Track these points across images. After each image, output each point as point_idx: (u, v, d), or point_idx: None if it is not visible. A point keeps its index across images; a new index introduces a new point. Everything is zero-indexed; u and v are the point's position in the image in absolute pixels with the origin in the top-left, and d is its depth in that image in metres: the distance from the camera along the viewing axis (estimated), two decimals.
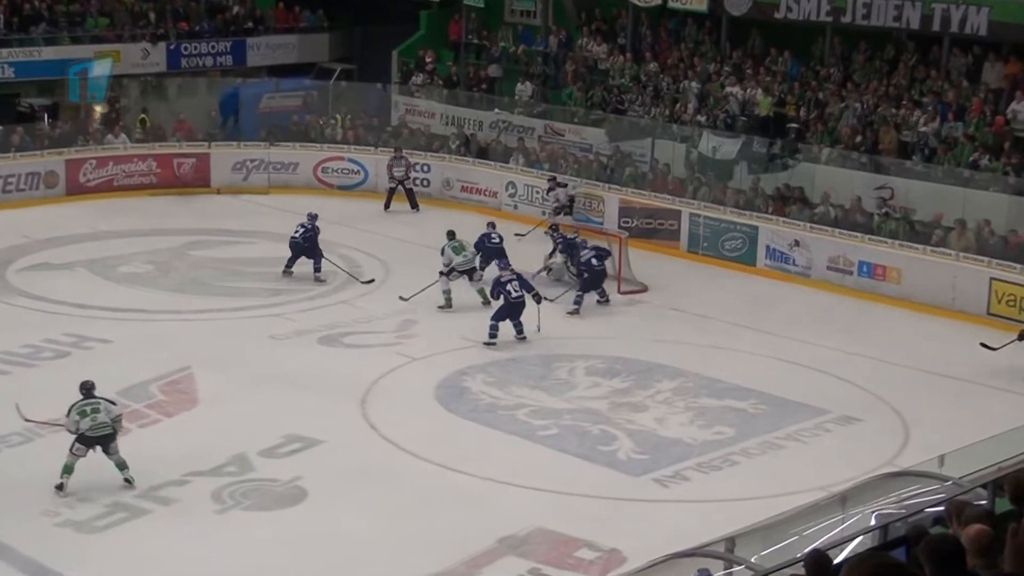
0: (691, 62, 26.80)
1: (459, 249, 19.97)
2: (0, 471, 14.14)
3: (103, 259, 22.16)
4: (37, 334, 18.30)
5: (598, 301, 20.14)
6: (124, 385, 16.40)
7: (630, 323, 19.53)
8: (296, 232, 21.25)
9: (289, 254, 21.28)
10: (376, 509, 13.56)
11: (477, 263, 20.20)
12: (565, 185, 24.40)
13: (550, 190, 24.38)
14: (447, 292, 19.78)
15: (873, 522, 8.37)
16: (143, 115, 28.16)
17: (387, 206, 25.89)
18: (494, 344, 18.21)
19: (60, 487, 13.57)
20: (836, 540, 8.09)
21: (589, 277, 20.03)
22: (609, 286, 20.57)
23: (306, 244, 21.12)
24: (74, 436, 13.58)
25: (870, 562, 3.92)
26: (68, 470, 13.59)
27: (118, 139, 26.94)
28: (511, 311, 18.34)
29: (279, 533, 13.03)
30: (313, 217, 21.47)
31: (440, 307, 19.72)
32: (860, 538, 7.93)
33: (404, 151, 26.33)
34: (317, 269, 21.11)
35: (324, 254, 21.12)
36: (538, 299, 18.66)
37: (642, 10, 27.91)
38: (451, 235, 20.23)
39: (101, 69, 27.72)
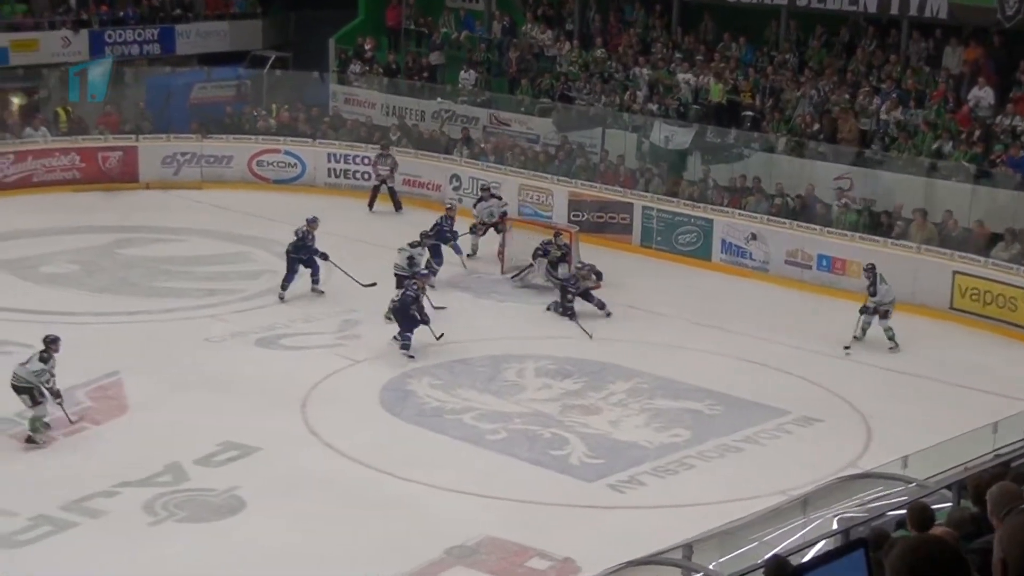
0: (641, 48, 26.93)
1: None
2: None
3: (23, 259, 21.92)
4: None
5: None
6: None
7: (583, 319, 19.58)
8: (293, 240, 20.39)
9: (285, 270, 20.33)
10: (318, 519, 13.53)
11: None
12: (500, 198, 23.27)
13: (480, 200, 23.22)
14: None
15: (835, 526, 8.49)
16: (64, 107, 27.82)
17: (371, 205, 25.54)
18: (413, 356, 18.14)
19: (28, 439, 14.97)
20: (797, 545, 8.19)
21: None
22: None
23: (295, 254, 20.20)
24: None
25: (926, 547, 3.98)
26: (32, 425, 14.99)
27: (38, 132, 26.66)
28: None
29: (216, 546, 12.98)
30: (312, 222, 20.52)
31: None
32: (822, 543, 8.04)
33: (391, 148, 25.99)
34: (315, 280, 20.34)
35: (327, 258, 20.19)
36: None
37: None
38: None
39: (101, 68, 27.43)
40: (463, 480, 14.50)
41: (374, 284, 19.90)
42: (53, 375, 14.90)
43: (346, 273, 20.16)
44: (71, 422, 15.22)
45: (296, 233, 20.44)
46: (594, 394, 17.07)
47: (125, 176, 26.70)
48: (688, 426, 16.17)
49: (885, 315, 18.66)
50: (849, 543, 7.47)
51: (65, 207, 25.02)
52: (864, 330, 18.81)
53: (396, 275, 19.64)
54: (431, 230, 21.35)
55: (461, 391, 17.00)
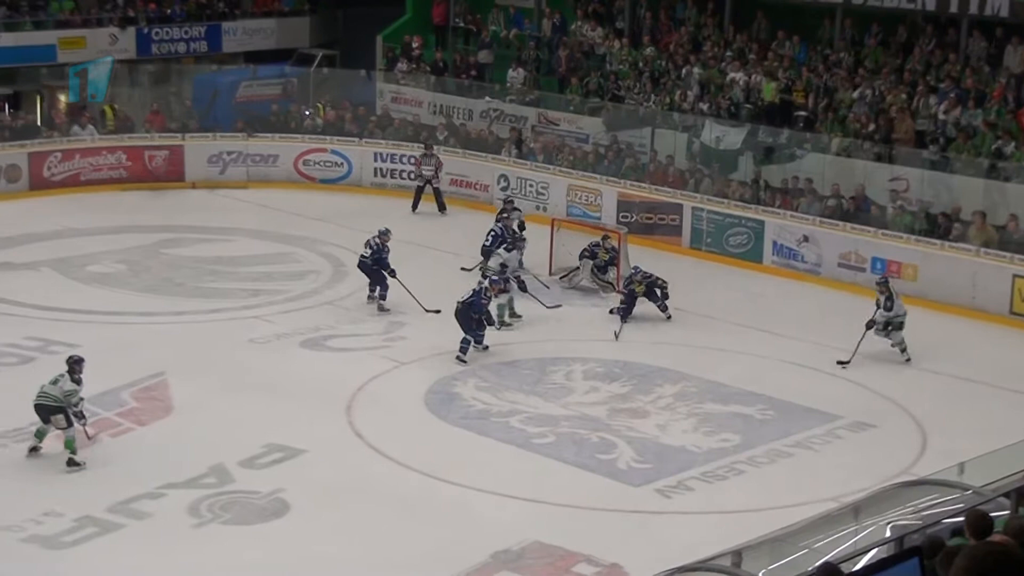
0: (692, 47, 26.85)
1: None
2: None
3: (70, 258, 22.15)
4: None
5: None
6: (94, 392, 16.35)
7: (630, 324, 19.55)
8: (365, 252, 19.98)
9: (366, 279, 20.14)
10: (362, 522, 13.59)
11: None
12: (519, 210, 22.58)
13: (503, 211, 22.34)
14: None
15: (888, 534, 8.41)
16: (111, 105, 28.10)
17: (415, 207, 25.43)
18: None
19: (32, 449, 14.72)
20: (849, 553, 8.13)
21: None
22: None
23: (375, 266, 19.87)
24: None
25: (992, 554, 3.97)
26: (37, 435, 14.69)
27: (85, 130, 26.93)
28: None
29: (260, 549, 13.05)
30: (384, 234, 20.13)
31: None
32: (874, 551, 7.98)
33: (435, 148, 25.93)
34: (382, 297, 19.85)
35: (395, 275, 19.76)
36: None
37: None
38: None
39: (102, 68, 27.74)
40: (509, 484, 14.50)
41: (438, 311, 19.34)
42: (82, 398, 14.69)
43: (411, 295, 19.66)
44: (88, 438, 14.92)
45: (370, 245, 19.93)
46: (642, 398, 17.04)
47: (171, 175, 26.93)
48: (738, 431, 16.11)
49: (899, 327, 18.17)
50: (903, 551, 7.43)
51: (112, 206, 25.28)
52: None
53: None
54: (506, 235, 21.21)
55: (508, 394, 17.01)
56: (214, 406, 16.36)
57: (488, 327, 18.18)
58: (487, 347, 18.21)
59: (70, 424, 14.53)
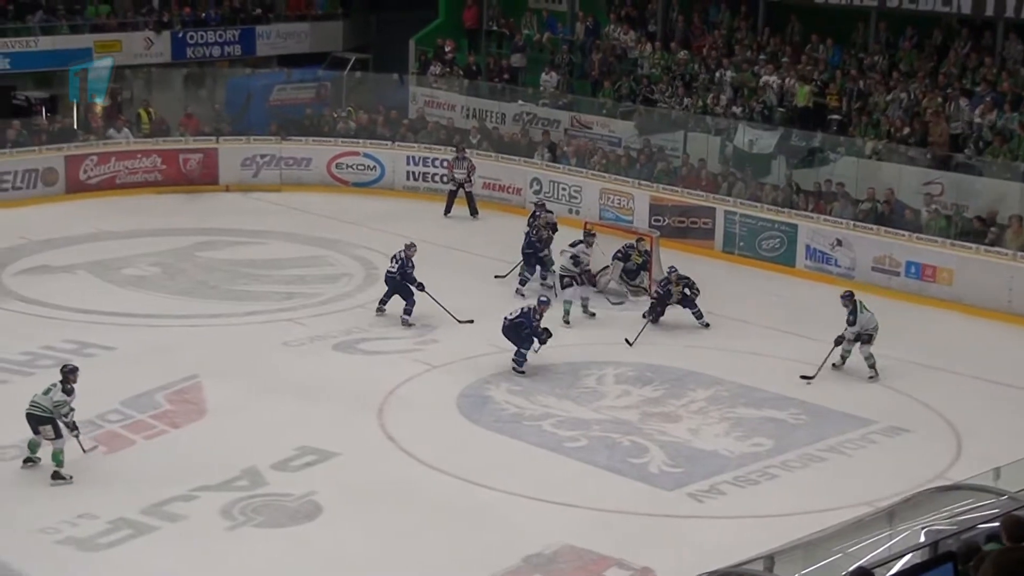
0: (725, 50, 26.80)
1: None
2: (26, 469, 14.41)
3: (105, 261, 22.31)
4: (35, 341, 18.44)
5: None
6: (128, 394, 16.56)
7: (662, 328, 19.53)
8: (392, 266, 19.65)
9: (385, 288, 19.83)
10: (394, 526, 13.62)
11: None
12: (551, 212, 22.50)
13: (534, 215, 22.24)
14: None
15: (923, 539, 8.37)
16: (147, 108, 28.27)
17: (448, 211, 25.39)
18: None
19: (25, 460, 14.50)
20: (883, 558, 8.10)
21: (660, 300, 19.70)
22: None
23: (402, 280, 19.50)
24: None
25: (1019, 560, 3.98)
26: (30, 447, 14.51)
27: (120, 134, 27.12)
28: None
29: (292, 552, 13.10)
30: (409, 247, 19.77)
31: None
32: (909, 556, 7.94)
33: (467, 151, 25.91)
34: (407, 312, 19.50)
35: (423, 288, 19.44)
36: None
37: None
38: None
39: (102, 67, 27.94)
40: (541, 488, 14.50)
41: (471, 321, 19.34)
42: (73, 408, 14.32)
43: (442, 307, 19.44)
44: (84, 451, 14.56)
45: (397, 259, 19.59)
46: (674, 402, 17.01)
47: (205, 178, 27.09)
48: (770, 435, 16.06)
49: (868, 340, 17.71)
50: (937, 556, 7.40)
51: (147, 209, 25.45)
52: (844, 358, 17.86)
53: (561, 276, 20.10)
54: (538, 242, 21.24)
55: (540, 397, 17.02)
56: (247, 409, 16.44)
57: (537, 343, 17.74)
58: (537, 350, 17.88)
59: (58, 436, 14.15)
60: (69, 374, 14.49)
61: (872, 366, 17.73)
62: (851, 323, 17.66)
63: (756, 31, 26.95)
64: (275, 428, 15.81)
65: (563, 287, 20.03)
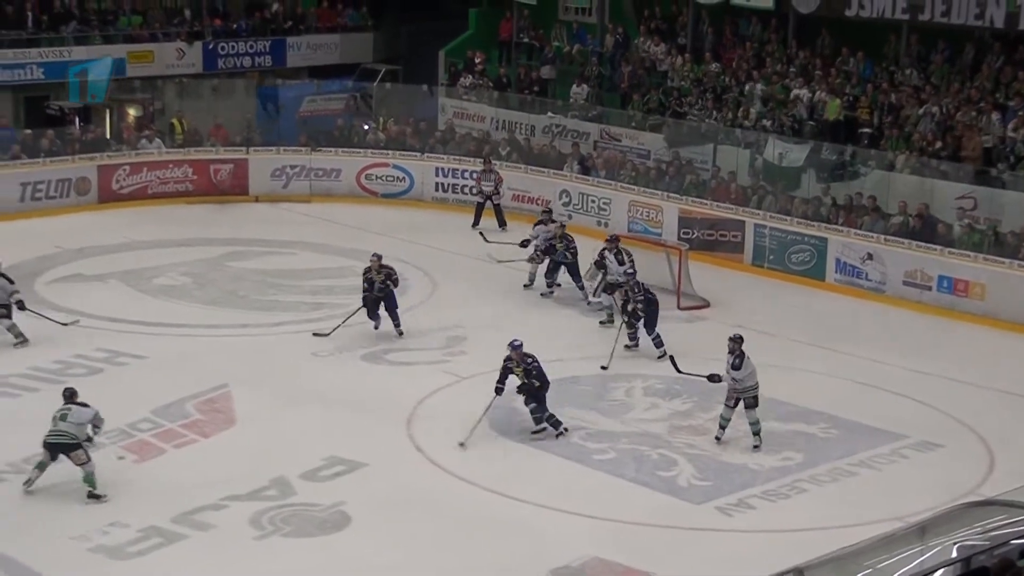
0: (756, 63, 26.77)
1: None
2: (29, 494, 14.33)
3: (137, 270, 22.45)
4: (68, 349, 18.55)
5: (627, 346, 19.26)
6: (159, 403, 16.64)
7: (690, 341, 19.49)
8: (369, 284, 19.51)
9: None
10: (422, 537, 13.63)
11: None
12: (556, 221, 22.16)
13: (539, 223, 22.06)
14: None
15: (955, 554, 8.33)
16: (179, 118, 28.43)
17: (476, 223, 25.34)
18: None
19: (26, 482, 14.26)
20: (914, 573, 8.07)
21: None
22: (666, 301, 20.28)
23: (381, 295, 19.40)
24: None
25: None
26: (37, 466, 14.26)
27: (152, 144, 27.29)
28: None
29: (321, 561, 13.13)
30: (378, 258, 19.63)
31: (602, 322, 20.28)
32: (940, 571, 7.91)
33: (494, 163, 25.93)
34: (396, 324, 19.52)
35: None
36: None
37: (703, 7, 27.96)
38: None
39: (101, 69, 28.11)
40: (569, 500, 14.49)
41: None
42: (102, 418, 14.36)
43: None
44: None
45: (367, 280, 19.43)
46: (703, 415, 16.96)
47: (235, 189, 27.23)
48: (800, 449, 16.00)
49: (753, 403, 15.74)
50: (970, 572, 7.36)
51: (178, 219, 25.60)
52: (723, 427, 15.96)
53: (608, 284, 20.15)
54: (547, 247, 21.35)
55: (568, 410, 16.97)
56: (276, 419, 16.49)
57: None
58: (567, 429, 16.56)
59: (89, 459, 14.13)
60: (74, 394, 14.39)
61: (757, 433, 15.85)
62: (736, 367, 15.71)
63: (786, 44, 26.89)
64: (304, 438, 15.86)
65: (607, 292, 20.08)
